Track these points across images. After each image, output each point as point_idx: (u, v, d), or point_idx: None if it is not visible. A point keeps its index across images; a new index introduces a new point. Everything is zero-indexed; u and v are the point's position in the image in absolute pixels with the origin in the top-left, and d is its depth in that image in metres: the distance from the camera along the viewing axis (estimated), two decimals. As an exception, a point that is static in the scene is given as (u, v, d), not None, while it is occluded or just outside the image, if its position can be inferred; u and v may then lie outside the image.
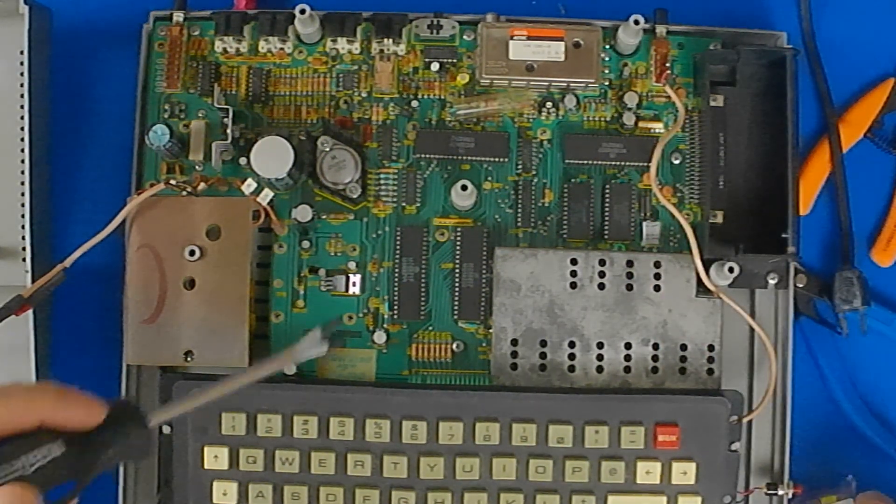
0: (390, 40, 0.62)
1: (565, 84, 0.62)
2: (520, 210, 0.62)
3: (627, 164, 0.62)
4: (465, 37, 0.63)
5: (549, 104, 0.62)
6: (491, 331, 0.60)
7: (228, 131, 0.59)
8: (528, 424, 0.58)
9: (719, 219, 0.61)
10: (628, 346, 0.60)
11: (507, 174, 0.62)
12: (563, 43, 0.61)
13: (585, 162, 0.62)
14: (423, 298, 0.61)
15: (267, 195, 0.60)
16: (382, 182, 0.62)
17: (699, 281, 0.60)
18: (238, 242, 0.59)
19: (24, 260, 0.60)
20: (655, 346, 0.60)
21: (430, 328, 0.61)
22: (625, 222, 0.62)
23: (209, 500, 0.58)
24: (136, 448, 0.44)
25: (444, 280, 0.61)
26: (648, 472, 0.58)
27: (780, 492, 0.60)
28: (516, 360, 0.60)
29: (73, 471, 0.43)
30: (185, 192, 0.60)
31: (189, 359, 0.59)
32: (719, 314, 0.60)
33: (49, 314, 0.63)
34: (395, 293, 0.61)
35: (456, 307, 0.61)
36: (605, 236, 0.62)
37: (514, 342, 0.60)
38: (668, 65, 0.63)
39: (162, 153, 0.60)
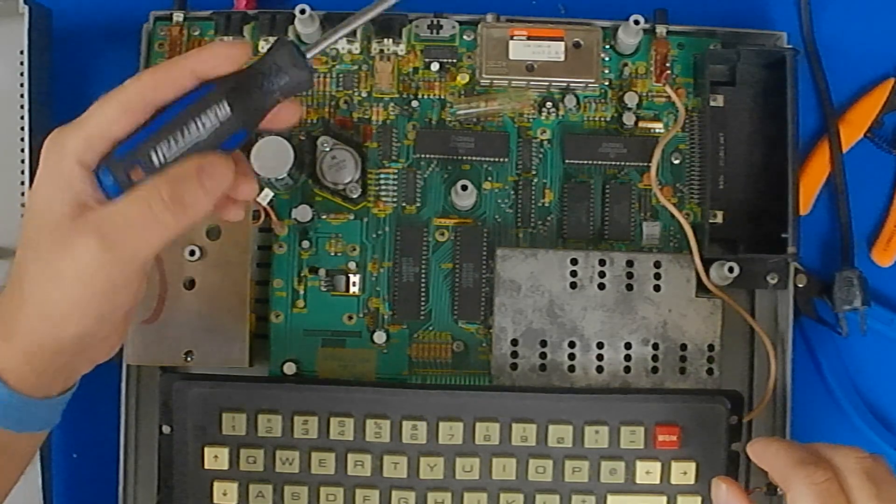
0: (390, 40, 0.62)
1: (565, 84, 0.62)
2: (520, 210, 0.62)
3: (627, 164, 0.62)
4: (465, 37, 0.63)
5: (549, 104, 0.62)
6: (491, 331, 0.60)
7: (228, 131, 0.59)
8: (528, 424, 0.58)
9: (719, 219, 0.61)
10: (628, 346, 0.60)
11: (507, 174, 0.62)
12: (563, 43, 0.61)
13: (585, 162, 0.62)
14: (423, 298, 0.61)
15: (267, 195, 0.60)
16: (382, 182, 0.62)
17: (699, 281, 0.60)
18: (238, 242, 0.59)
19: (24, 260, 0.60)
20: (655, 346, 0.60)
21: (430, 328, 0.61)
22: (625, 222, 0.62)
23: (209, 500, 0.58)
24: (296, 83, 0.46)
25: (443, 280, 0.61)
26: (648, 472, 0.58)
27: (780, 492, 0.60)
28: (516, 360, 0.60)
29: (240, 123, 0.45)
30: None
31: (189, 359, 0.59)
32: (719, 314, 0.60)
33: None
34: (395, 293, 0.61)
35: (456, 307, 0.61)
36: (605, 236, 0.62)
37: (514, 342, 0.60)
38: (668, 65, 0.63)
39: (162, 153, 0.60)
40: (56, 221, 0.44)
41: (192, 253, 0.59)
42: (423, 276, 0.61)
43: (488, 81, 0.62)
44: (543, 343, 0.60)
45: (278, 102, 0.46)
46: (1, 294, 0.47)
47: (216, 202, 0.46)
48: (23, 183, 0.60)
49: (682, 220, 0.60)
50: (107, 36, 0.65)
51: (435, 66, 0.62)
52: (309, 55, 0.46)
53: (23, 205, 0.59)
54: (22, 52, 0.60)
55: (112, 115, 0.44)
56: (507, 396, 0.59)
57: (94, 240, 0.44)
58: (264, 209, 0.60)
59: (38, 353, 0.47)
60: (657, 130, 0.63)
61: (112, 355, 0.51)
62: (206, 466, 0.58)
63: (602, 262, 0.60)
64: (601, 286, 0.60)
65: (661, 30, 0.63)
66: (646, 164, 0.61)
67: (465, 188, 0.60)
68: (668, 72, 0.63)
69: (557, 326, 0.60)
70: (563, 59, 0.61)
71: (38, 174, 0.46)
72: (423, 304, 0.61)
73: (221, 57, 0.45)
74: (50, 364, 0.47)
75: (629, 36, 0.61)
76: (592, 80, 0.61)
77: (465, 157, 0.62)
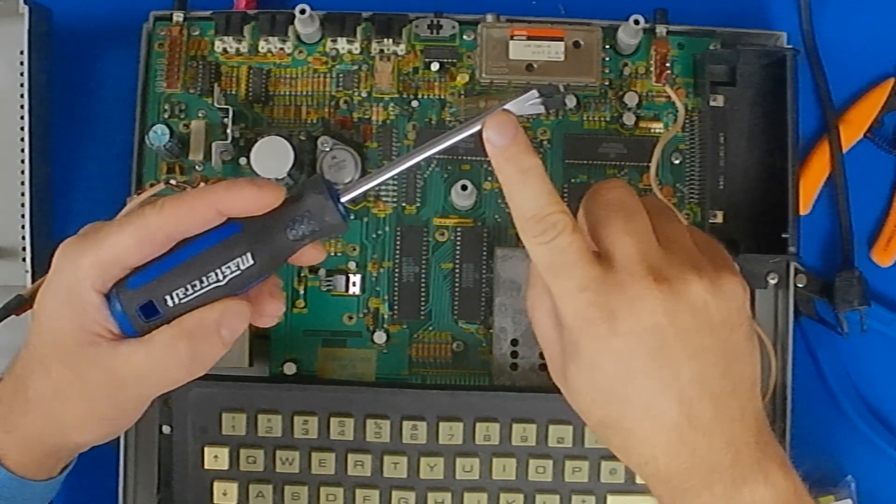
0: (390, 40, 0.62)
1: (565, 84, 0.62)
2: (520, 210, 0.62)
3: (627, 164, 0.62)
4: (465, 37, 0.63)
5: (549, 104, 0.62)
6: (491, 331, 0.60)
7: (228, 131, 0.59)
8: (528, 424, 0.58)
9: (719, 219, 0.61)
10: (628, 346, 0.60)
11: (507, 174, 0.62)
12: (563, 43, 0.61)
13: (585, 162, 0.62)
14: (423, 298, 0.61)
15: (267, 195, 0.60)
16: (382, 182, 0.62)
17: (699, 281, 0.60)
18: (238, 242, 0.59)
19: (24, 260, 0.60)
20: (655, 346, 0.60)
21: (430, 328, 0.61)
22: (625, 222, 0.62)
23: (209, 500, 0.58)
24: (328, 230, 0.44)
25: (444, 280, 0.61)
26: (648, 472, 0.58)
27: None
28: (516, 360, 0.60)
29: (262, 271, 0.44)
30: None
31: (189, 359, 0.59)
32: (719, 314, 0.60)
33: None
34: (395, 293, 0.61)
35: (456, 307, 0.61)
36: (605, 236, 0.62)
37: (514, 342, 0.60)
38: (668, 65, 0.63)
39: (162, 153, 0.60)
40: (66, 344, 0.44)
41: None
42: (423, 276, 0.61)
43: (488, 81, 0.62)
44: (543, 343, 0.60)
45: (304, 245, 0.44)
46: (2, 386, 0.47)
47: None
48: (23, 183, 0.59)
49: (682, 220, 0.60)
50: (107, 36, 0.65)
51: (435, 66, 0.62)
52: (344, 199, 0.44)
53: (22, 205, 0.59)
54: (22, 52, 0.60)
55: (130, 243, 0.43)
56: (507, 396, 0.59)
57: (105, 376, 0.44)
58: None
59: (40, 448, 0.47)
60: (657, 130, 0.63)
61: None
62: (206, 466, 0.58)
63: (602, 262, 0.60)
64: (601, 286, 0.60)
65: (661, 30, 0.63)
66: (646, 164, 0.61)
67: (465, 188, 0.60)
68: (668, 72, 0.63)
69: (557, 326, 0.60)
70: (563, 59, 0.61)
71: (50, 286, 0.45)
72: (423, 304, 0.61)
73: (250, 199, 0.43)
74: (50, 457, 0.48)
75: (629, 36, 0.61)
76: (592, 80, 0.61)
77: (465, 157, 0.62)
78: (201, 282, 0.43)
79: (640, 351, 0.43)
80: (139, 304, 0.43)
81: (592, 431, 0.50)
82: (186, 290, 0.43)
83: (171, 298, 0.43)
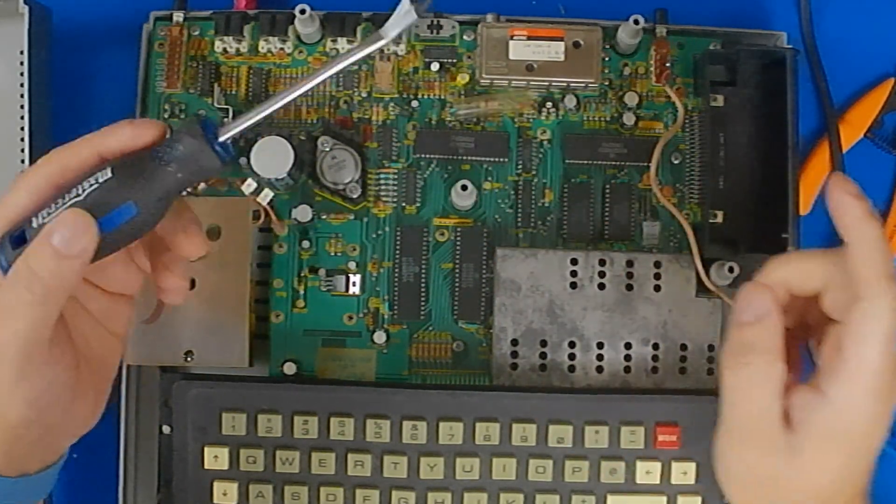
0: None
1: (565, 84, 0.62)
2: (520, 210, 0.62)
3: (627, 164, 0.62)
4: (465, 37, 0.63)
5: (549, 104, 0.62)
6: (491, 331, 0.60)
7: (228, 131, 0.59)
8: (528, 424, 0.58)
9: (719, 219, 0.61)
10: (628, 346, 0.60)
11: (507, 174, 0.62)
12: (563, 43, 0.61)
13: (585, 162, 0.62)
14: (423, 298, 0.61)
15: (267, 195, 0.60)
16: (382, 182, 0.62)
17: (699, 281, 0.60)
18: (238, 242, 0.59)
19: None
20: (655, 346, 0.60)
21: (430, 328, 0.61)
22: (625, 222, 0.62)
23: (209, 501, 0.58)
24: (203, 164, 0.43)
25: (444, 280, 0.61)
26: (648, 472, 0.58)
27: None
28: (516, 360, 0.60)
29: (127, 192, 0.43)
30: (184, 192, 0.60)
31: (189, 359, 0.59)
32: (719, 314, 0.60)
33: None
34: (395, 293, 0.61)
35: (456, 307, 0.61)
36: (605, 236, 0.62)
37: (514, 342, 0.60)
38: (668, 65, 0.63)
39: (162, 153, 0.60)
40: None
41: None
42: (423, 276, 0.61)
43: (488, 81, 0.62)
44: (543, 343, 0.60)
45: (180, 184, 0.43)
46: None
47: (154, 266, 0.45)
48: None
49: (682, 220, 0.60)
50: (107, 36, 0.65)
51: (435, 66, 0.62)
52: (222, 137, 0.44)
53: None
54: (22, 52, 0.60)
55: (21, 200, 0.43)
56: (507, 396, 0.59)
57: None
58: (264, 209, 0.60)
59: None
60: (657, 130, 0.63)
61: (92, 425, 0.49)
62: (206, 466, 0.58)
63: (602, 262, 0.60)
64: (601, 286, 0.60)
65: (661, 30, 0.63)
66: (646, 164, 0.61)
67: (465, 188, 0.60)
68: (668, 72, 0.63)
69: (557, 326, 0.60)
70: (563, 59, 0.61)
71: None
72: (423, 304, 0.61)
73: (126, 136, 0.44)
74: (13, 446, 0.46)
75: (629, 36, 0.61)
76: (592, 80, 0.61)
77: (465, 157, 0.62)
78: (63, 199, 0.42)
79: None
80: (13, 234, 0.43)
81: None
82: (49, 209, 0.43)
83: (36, 219, 0.43)
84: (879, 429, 0.44)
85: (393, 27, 0.46)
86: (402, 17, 0.46)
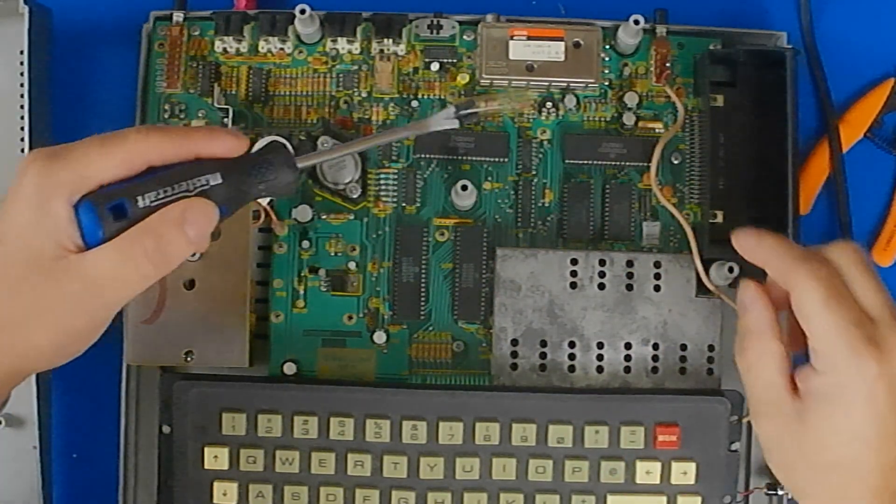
0: (390, 40, 0.62)
1: (565, 84, 0.62)
2: (520, 210, 0.62)
3: (627, 164, 0.62)
4: (465, 37, 0.63)
5: (549, 104, 0.62)
6: (491, 331, 0.60)
7: (228, 131, 0.59)
8: (528, 424, 0.58)
9: (719, 219, 0.61)
10: (628, 346, 0.60)
11: (507, 174, 0.62)
12: (563, 43, 0.61)
13: (585, 162, 0.62)
14: (422, 298, 0.61)
15: (267, 195, 0.60)
16: (382, 182, 0.62)
17: (699, 281, 0.60)
18: (238, 242, 0.59)
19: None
20: (655, 346, 0.60)
21: (430, 328, 0.61)
22: (625, 222, 0.62)
23: (209, 501, 0.58)
24: (282, 185, 0.49)
25: (443, 280, 0.61)
26: (648, 472, 0.59)
27: (780, 492, 0.60)
28: (516, 360, 0.60)
29: (225, 199, 0.47)
30: None
31: (189, 359, 0.59)
32: (719, 314, 0.60)
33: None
34: (395, 293, 0.61)
35: (456, 307, 0.61)
36: (605, 236, 0.62)
37: (514, 342, 0.60)
38: (668, 65, 0.63)
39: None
40: (37, 259, 0.44)
41: (192, 253, 0.59)
42: (423, 276, 0.61)
43: (488, 81, 0.62)
44: (543, 343, 0.60)
45: (259, 196, 0.49)
46: None
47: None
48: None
49: (682, 220, 0.60)
50: (107, 36, 0.65)
51: (435, 66, 0.62)
52: (300, 164, 0.49)
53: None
54: (22, 52, 0.60)
55: (112, 163, 0.45)
56: (507, 396, 0.59)
57: (80, 286, 0.44)
58: (264, 209, 0.60)
59: None
60: (657, 130, 0.63)
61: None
62: (206, 466, 0.58)
63: (602, 262, 0.60)
64: (601, 286, 0.60)
65: (661, 30, 0.63)
66: (646, 164, 0.61)
67: (465, 188, 0.60)
68: (668, 72, 0.63)
69: (557, 326, 0.60)
70: (563, 59, 0.61)
71: (17, 204, 0.45)
72: (423, 304, 0.61)
73: (229, 146, 0.47)
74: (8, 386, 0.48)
75: (629, 36, 0.61)
76: (592, 80, 0.61)
77: (465, 157, 0.62)
78: (172, 188, 0.46)
79: (892, 394, 0.46)
80: (110, 204, 0.45)
81: (792, 477, 0.51)
82: (157, 193, 0.45)
83: (142, 199, 0.45)
84: (870, 383, 0.46)
85: (434, 125, 0.55)
86: (445, 121, 0.55)
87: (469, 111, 0.56)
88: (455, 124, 0.55)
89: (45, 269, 0.44)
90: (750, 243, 0.52)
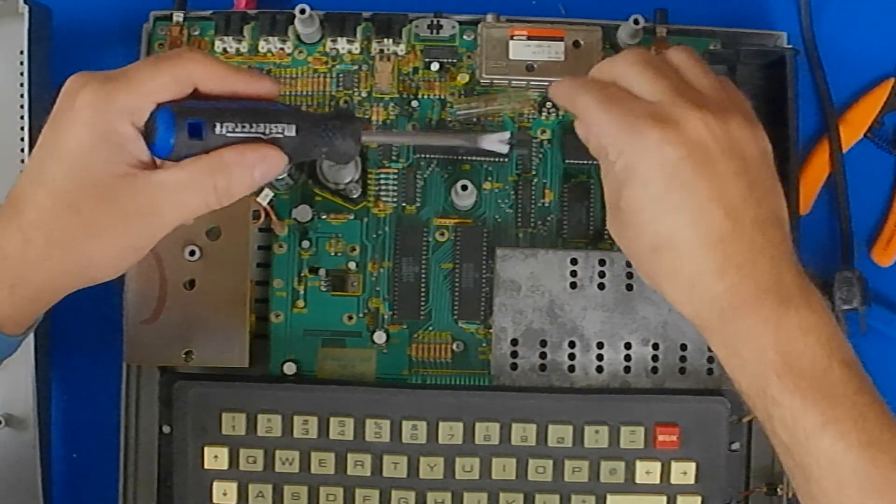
0: (390, 40, 0.62)
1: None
2: (520, 210, 0.62)
3: (627, 164, 0.62)
4: (465, 37, 0.63)
5: (549, 104, 0.62)
6: (491, 331, 0.60)
7: (228, 131, 0.59)
8: (528, 424, 0.58)
9: (719, 219, 0.61)
10: (628, 346, 0.60)
11: (507, 174, 0.62)
12: (563, 43, 0.61)
13: (585, 162, 0.62)
14: (422, 298, 0.61)
15: (267, 195, 0.60)
16: (382, 182, 0.62)
17: (699, 281, 0.60)
18: (238, 242, 0.59)
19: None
20: (655, 346, 0.60)
21: (430, 328, 0.61)
22: (625, 222, 0.62)
23: (209, 500, 0.58)
24: (343, 153, 0.50)
25: (443, 280, 0.61)
26: (648, 472, 0.58)
27: (780, 492, 0.60)
28: (516, 360, 0.60)
29: (289, 152, 0.48)
30: None
31: (189, 359, 0.59)
32: (719, 314, 0.60)
33: (48, 314, 0.63)
34: (395, 293, 0.61)
35: (456, 307, 0.61)
36: (605, 236, 0.62)
37: (514, 342, 0.60)
38: (668, 65, 0.63)
39: (162, 153, 0.60)
40: (102, 180, 0.45)
41: (192, 253, 0.59)
42: (423, 276, 0.61)
43: (488, 81, 0.62)
44: (543, 343, 0.60)
45: (317, 158, 0.51)
46: (4, 243, 0.46)
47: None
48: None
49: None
50: (107, 36, 0.65)
51: (435, 66, 0.62)
52: (364, 139, 0.51)
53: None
54: (22, 52, 0.60)
55: (163, 80, 0.46)
56: (507, 396, 0.59)
57: (142, 204, 0.46)
58: (264, 209, 0.60)
59: (42, 302, 0.48)
60: (657, 130, 0.62)
61: None
62: (206, 466, 0.58)
63: (602, 262, 0.60)
64: (601, 286, 0.60)
65: (661, 30, 0.63)
66: (646, 164, 0.61)
67: (465, 188, 0.60)
68: (668, 72, 0.62)
69: (557, 326, 0.60)
70: (563, 59, 0.61)
71: (76, 124, 0.45)
72: (423, 304, 0.61)
73: (266, 88, 0.49)
74: (42, 310, 0.49)
75: (629, 36, 0.61)
76: (592, 80, 0.61)
77: (465, 157, 0.62)
78: (250, 125, 0.47)
79: (690, 161, 0.46)
80: (189, 120, 0.46)
81: (641, 270, 0.50)
82: (235, 125, 0.46)
83: (220, 126, 0.46)
84: (656, 150, 0.47)
85: (486, 143, 0.57)
86: (497, 144, 0.57)
87: (522, 146, 0.59)
88: (505, 150, 0.56)
89: (108, 189, 0.45)
90: (555, 91, 0.54)
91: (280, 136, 0.48)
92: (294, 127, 0.48)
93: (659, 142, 0.47)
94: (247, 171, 0.47)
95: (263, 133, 0.47)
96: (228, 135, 0.46)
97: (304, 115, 0.49)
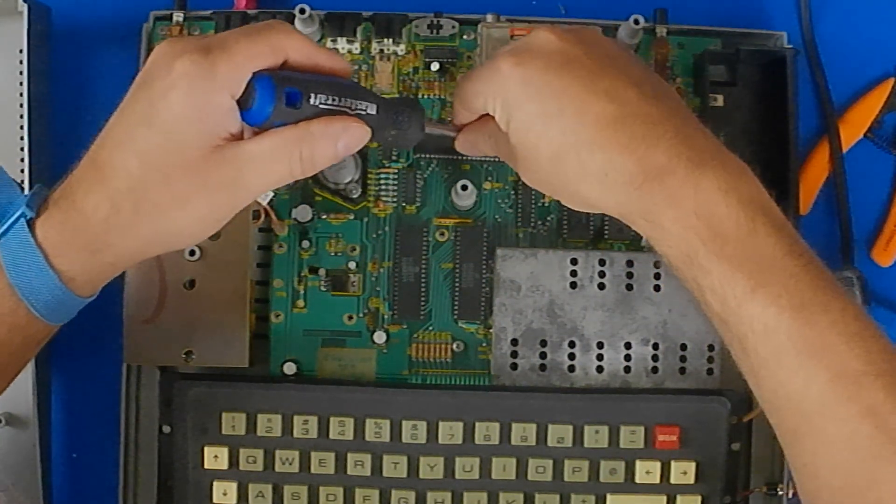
0: (390, 40, 0.62)
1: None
2: (520, 210, 0.62)
3: (627, 164, 0.62)
4: (465, 37, 0.63)
5: (549, 104, 0.62)
6: (491, 331, 0.60)
7: (228, 131, 0.59)
8: (528, 424, 0.58)
9: (719, 219, 0.61)
10: (628, 346, 0.60)
11: (507, 174, 0.62)
12: (563, 43, 0.61)
13: (585, 162, 0.62)
14: (422, 298, 0.61)
15: (267, 195, 0.60)
16: (382, 182, 0.62)
17: (699, 281, 0.60)
18: (238, 242, 0.59)
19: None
20: (655, 346, 0.60)
21: (430, 328, 0.61)
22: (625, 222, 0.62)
23: (209, 500, 0.58)
24: (408, 140, 0.51)
25: (443, 280, 0.61)
26: (648, 471, 0.59)
27: (780, 492, 0.60)
28: (516, 360, 0.60)
29: (371, 128, 0.49)
30: None
31: (189, 359, 0.59)
32: (719, 314, 0.60)
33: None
34: (395, 293, 0.61)
35: (456, 307, 0.61)
36: (605, 236, 0.62)
37: (514, 342, 0.60)
38: (668, 65, 0.63)
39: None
40: (195, 152, 0.46)
41: (192, 253, 0.59)
42: (423, 276, 0.61)
43: (488, 81, 0.61)
44: (543, 343, 0.60)
45: (382, 140, 0.51)
46: (91, 212, 0.46)
47: None
48: (23, 182, 0.59)
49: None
50: (107, 36, 0.65)
51: (435, 66, 0.62)
52: (427, 129, 0.52)
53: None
54: (21, 51, 0.60)
55: (259, 50, 0.46)
56: (507, 396, 0.59)
57: (231, 173, 0.46)
58: (264, 209, 0.60)
59: (120, 266, 0.49)
60: (657, 130, 0.62)
61: None
62: (206, 466, 0.58)
63: (602, 262, 0.60)
64: (601, 286, 0.60)
65: (661, 30, 0.63)
66: (646, 164, 0.61)
67: (465, 188, 0.60)
68: (668, 72, 0.62)
69: (557, 326, 0.60)
70: (563, 58, 0.61)
71: (170, 90, 0.45)
72: (423, 304, 0.61)
73: (341, 67, 0.49)
74: (117, 273, 0.50)
75: (629, 36, 0.61)
76: (592, 80, 0.61)
77: (465, 157, 0.62)
78: (342, 100, 0.48)
79: (551, 69, 0.47)
80: (288, 89, 0.46)
81: (558, 189, 0.50)
82: (327, 98, 0.47)
83: (314, 97, 0.47)
84: (504, 78, 0.48)
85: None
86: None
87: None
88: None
89: (198, 160, 0.46)
90: (460, 144, 0.54)
91: (363, 112, 0.49)
92: (375, 106, 0.49)
93: (514, 65, 0.47)
94: (331, 141, 0.47)
95: (349, 108, 0.48)
96: (321, 106, 0.47)
97: (379, 98, 0.50)
